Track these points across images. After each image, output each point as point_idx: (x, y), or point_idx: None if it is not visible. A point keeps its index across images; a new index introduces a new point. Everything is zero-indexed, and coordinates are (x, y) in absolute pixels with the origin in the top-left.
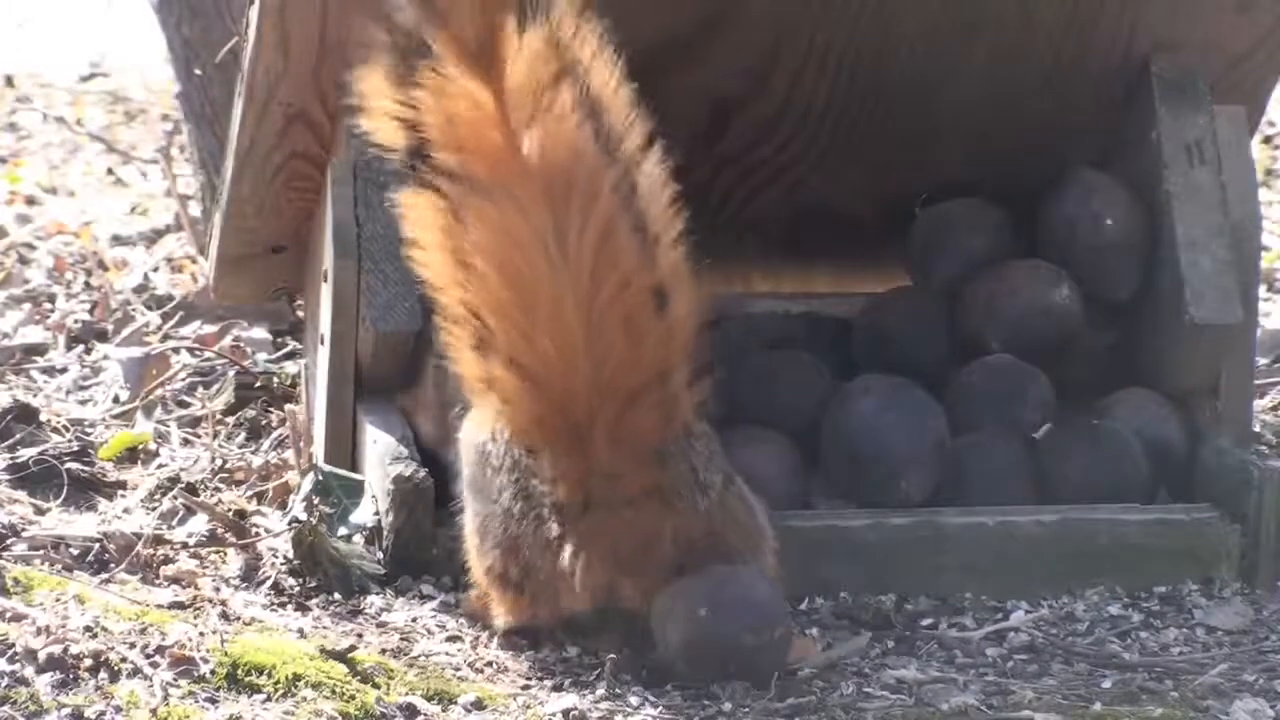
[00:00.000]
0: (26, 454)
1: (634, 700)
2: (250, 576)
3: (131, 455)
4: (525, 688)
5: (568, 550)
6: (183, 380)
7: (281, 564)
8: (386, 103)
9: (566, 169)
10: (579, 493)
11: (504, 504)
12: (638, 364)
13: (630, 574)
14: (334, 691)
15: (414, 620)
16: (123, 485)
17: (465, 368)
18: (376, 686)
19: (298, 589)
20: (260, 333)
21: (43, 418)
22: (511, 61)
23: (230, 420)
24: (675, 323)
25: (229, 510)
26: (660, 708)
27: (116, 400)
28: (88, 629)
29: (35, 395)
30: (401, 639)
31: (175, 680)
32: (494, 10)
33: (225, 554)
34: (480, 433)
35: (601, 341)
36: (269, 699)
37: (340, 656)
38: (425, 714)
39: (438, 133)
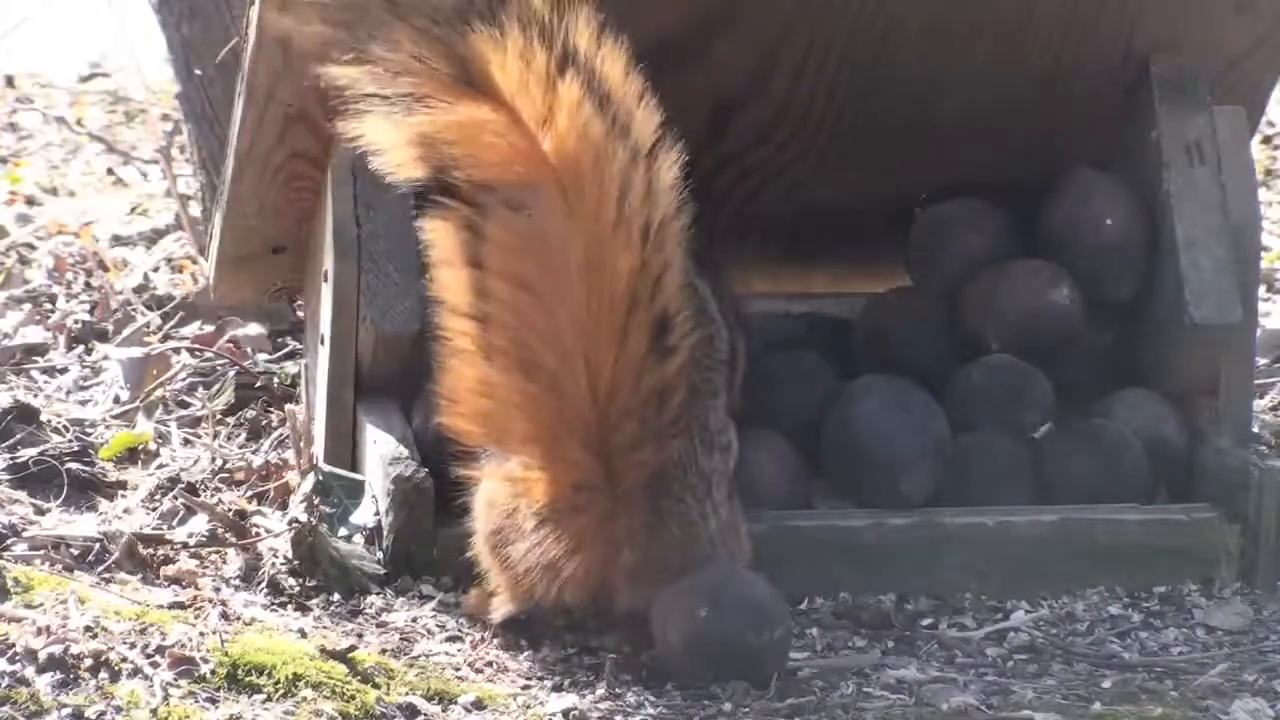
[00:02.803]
0: (27, 454)
1: (634, 700)
2: (250, 576)
3: (131, 455)
4: (525, 688)
5: (564, 545)
6: (183, 380)
7: (281, 564)
8: (397, 142)
9: (583, 165)
10: (570, 498)
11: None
12: (637, 383)
13: (629, 581)
14: (334, 691)
15: (414, 620)
16: (123, 485)
17: (464, 372)
18: (376, 686)
19: (298, 589)
20: (260, 332)
21: (43, 418)
22: (499, 69)
23: (230, 420)
24: (677, 347)
25: (229, 510)
26: (660, 708)
27: (116, 400)
28: (88, 629)
29: (35, 395)
30: (401, 639)
31: (175, 680)
32: (449, 33)
33: (225, 554)
34: None
35: (608, 355)
36: (269, 699)
37: (340, 656)
38: (425, 714)
39: (459, 153)
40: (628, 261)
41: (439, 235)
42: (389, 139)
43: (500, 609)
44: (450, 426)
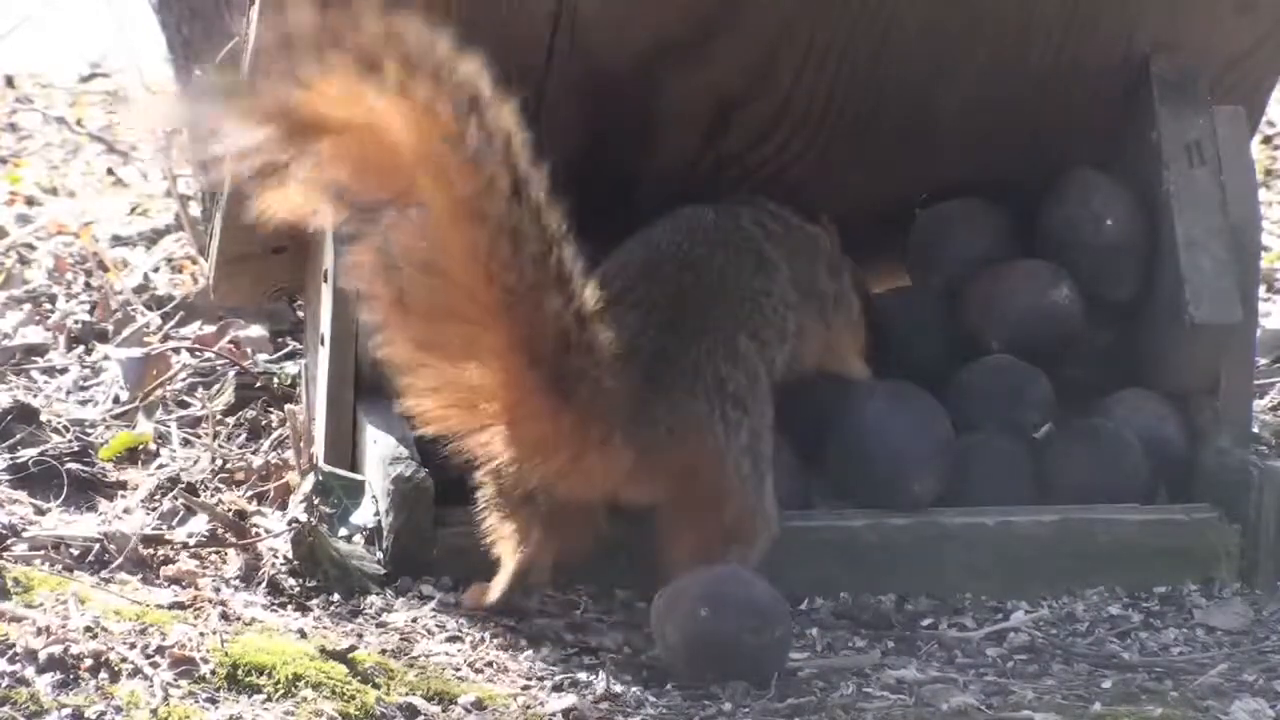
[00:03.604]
0: (27, 454)
1: (634, 700)
2: (250, 577)
3: (131, 455)
4: (525, 688)
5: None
6: (183, 380)
7: (281, 564)
8: (303, 197)
9: (428, 146)
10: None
11: None
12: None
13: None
14: (334, 691)
15: (414, 620)
16: (123, 485)
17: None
18: (376, 686)
19: (298, 589)
20: (260, 333)
21: (43, 418)
22: (326, 104)
23: (230, 420)
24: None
25: (229, 510)
26: (660, 708)
27: (116, 400)
28: (88, 629)
29: (35, 395)
30: (401, 639)
31: (175, 680)
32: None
33: (225, 554)
34: None
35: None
36: (269, 699)
37: (340, 656)
38: (425, 714)
39: (351, 176)
40: (496, 210)
41: (358, 267)
42: (296, 198)
43: (500, 583)
44: (424, 421)
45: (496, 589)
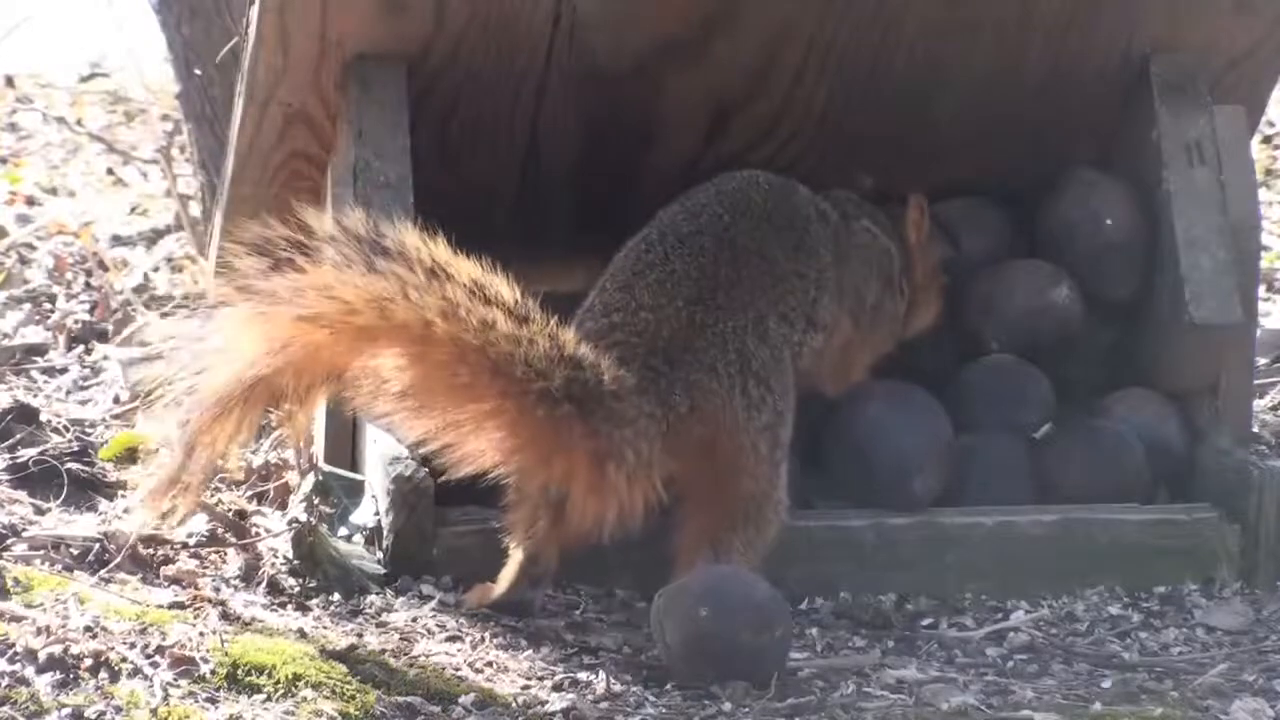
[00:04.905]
0: (27, 454)
1: (634, 700)
2: (250, 576)
3: (131, 455)
4: (525, 688)
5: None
6: None
7: (281, 564)
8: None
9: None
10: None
11: None
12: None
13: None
14: (334, 691)
15: (414, 620)
16: (123, 485)
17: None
18: (377, 686)
19: (298, 589)
20: None
21: (43, 418)
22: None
23: None
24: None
25: (229, 510)
26: (660, 707)
27: (116, 400)
28: (88, 629)
29: (35, 395)
30: (401, 639)
31: (175, 680)
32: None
33: (225, 554)
34: None
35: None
36: (269, 699)
37: (340, 656)
38: (425, 714)
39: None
40: (454, 327)
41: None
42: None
43: (505, 571)
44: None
45: (504, 582)
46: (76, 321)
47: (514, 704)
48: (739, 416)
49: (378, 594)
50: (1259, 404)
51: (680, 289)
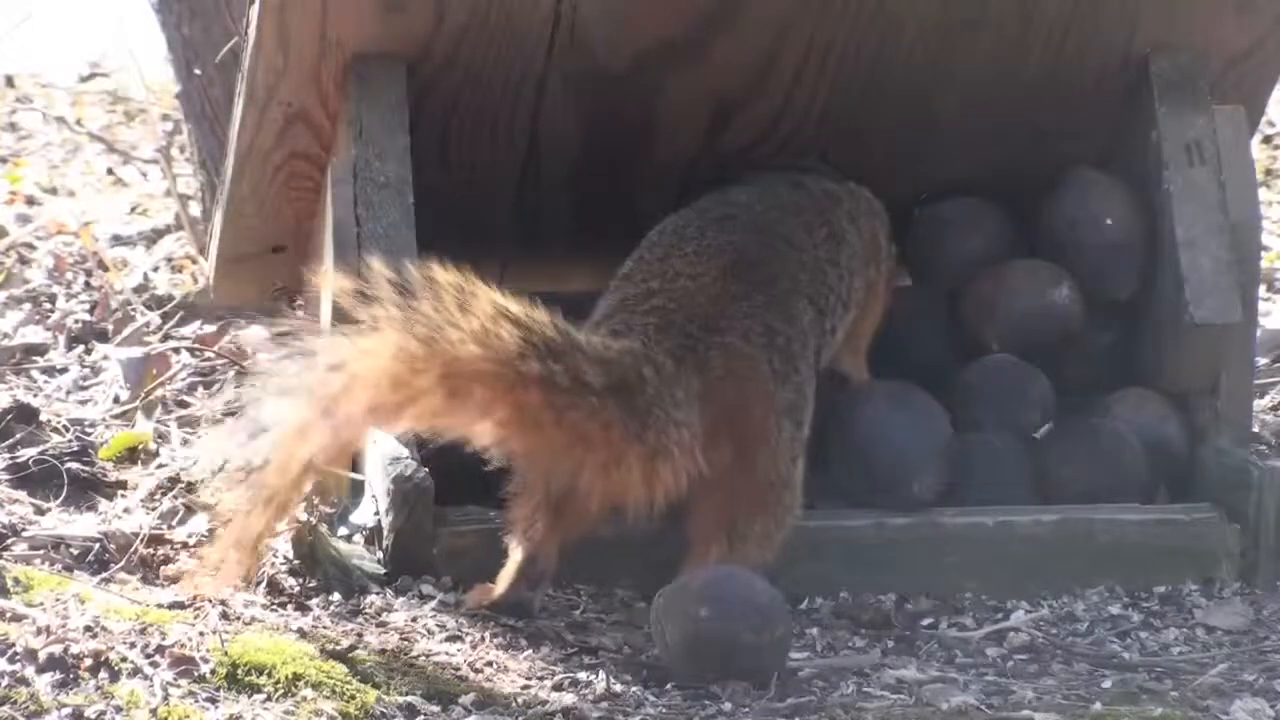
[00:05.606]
0: (26, 454)
1: (634, 700)
2: (250, 576)
3: (131, 455)
4: (525, 688)
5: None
6: (183, 380)
7: (281, 564)
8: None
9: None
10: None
11: None
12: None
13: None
14: (334, 691)
15: (414, 620)
16: (123, 485)
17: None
18: (376, 686)
19: (298, 589)
20: (260, 332)
21: (43, 418)
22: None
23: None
24: None
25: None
26: (660, 707)
27: (116, 400)
28: (88, 629)
29: (35, 395)
30: (401, 639)
31: (175, 680)
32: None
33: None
34: None
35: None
36: (269, 699)
37: (340, 656)
38: (425, 714)
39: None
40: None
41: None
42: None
43: (505, 570)
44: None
45: (503, 582)
46: (76, 321)
47: (514, 704)
48: (768, 386)
49: (378, 594)
50: (1259, 404)
51: (716, 260)
